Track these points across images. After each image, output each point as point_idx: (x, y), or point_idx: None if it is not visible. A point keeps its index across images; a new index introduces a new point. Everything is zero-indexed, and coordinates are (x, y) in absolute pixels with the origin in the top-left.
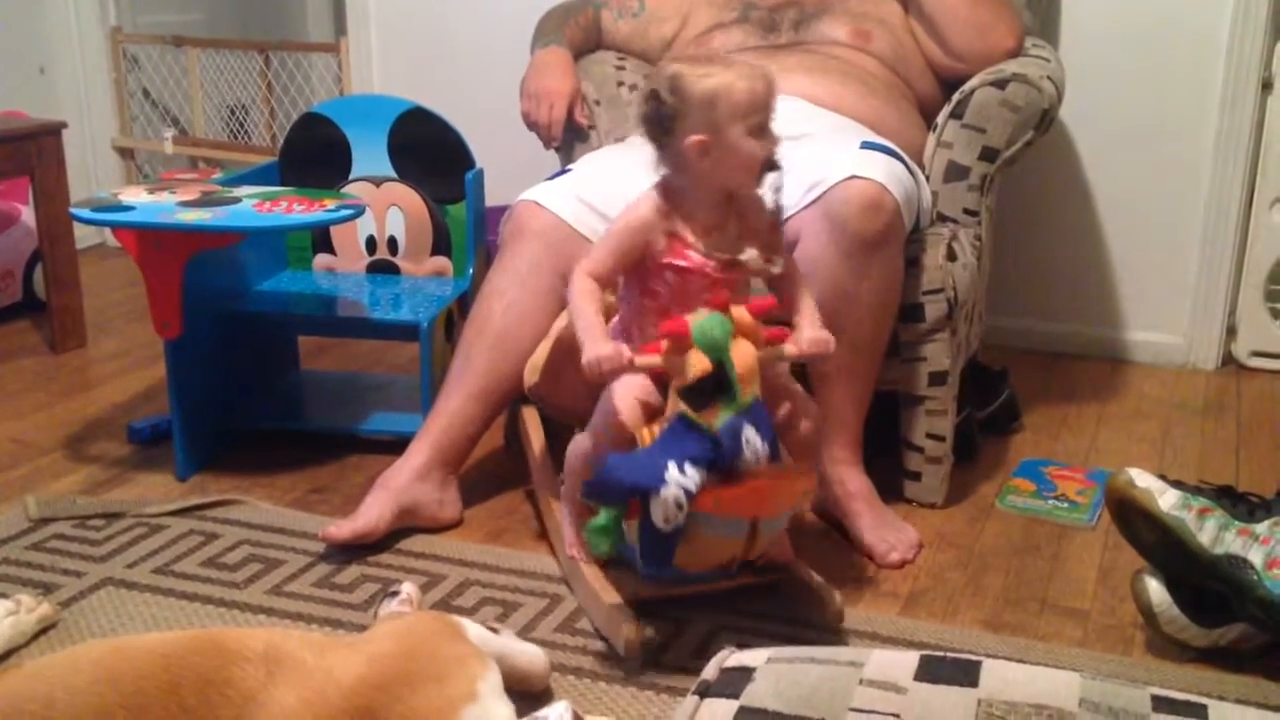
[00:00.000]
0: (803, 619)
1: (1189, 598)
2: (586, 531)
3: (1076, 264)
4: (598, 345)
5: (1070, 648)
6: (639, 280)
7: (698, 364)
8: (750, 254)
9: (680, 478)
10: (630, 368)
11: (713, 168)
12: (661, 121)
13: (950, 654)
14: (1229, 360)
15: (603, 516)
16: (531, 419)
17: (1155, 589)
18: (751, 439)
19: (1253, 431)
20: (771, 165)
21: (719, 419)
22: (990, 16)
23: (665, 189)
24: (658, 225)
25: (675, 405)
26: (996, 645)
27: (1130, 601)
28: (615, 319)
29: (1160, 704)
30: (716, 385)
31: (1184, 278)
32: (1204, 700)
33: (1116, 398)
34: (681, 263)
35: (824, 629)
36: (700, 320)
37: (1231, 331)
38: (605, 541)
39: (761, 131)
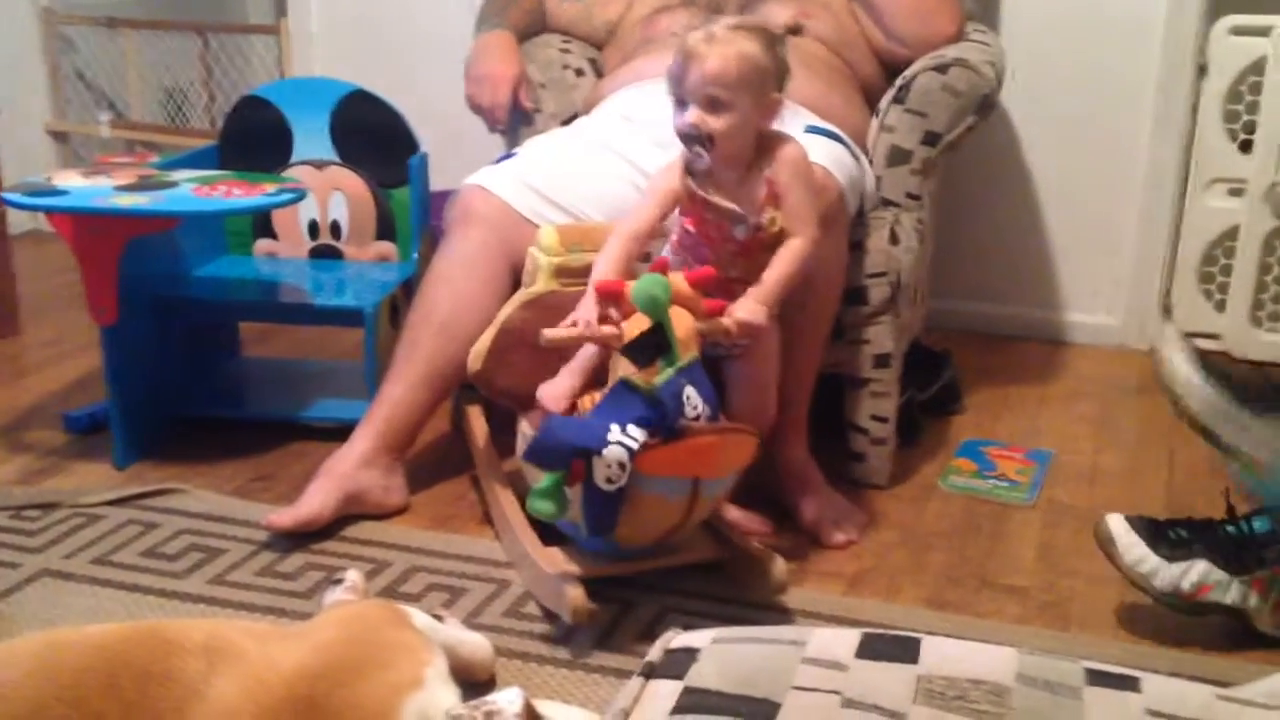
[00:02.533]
0: (749, 599)
1: (1150, 533)
2: (530, 496)
3: (1017, 247)
4: (552, 385)
5: (1009, 624)
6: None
7: (637, 325)
8: (747, 217)
9: (622, 437)
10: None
11: None
12: None
13: (891, 632)
14: None
15: (546, 480)
16: (474, 412)
17: (1116, 520)
18: (692, 396)
19: None
20: (686, 138)
21: (659, 378)
22: (932, 1)
23: None
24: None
25: (616, 373)
26: (938, 623)
27: (1066, 578)
28: (672, 237)
29: (1094, 677)
30: (656, 345)
31: (1121, 260)
32: (1136, 673)
33: (1056, 378)
34: (690, 228)
35: (770, 607)
36: (640, 281)
37: (1167, 312)
38: (550, 504)
39: (680, 105)
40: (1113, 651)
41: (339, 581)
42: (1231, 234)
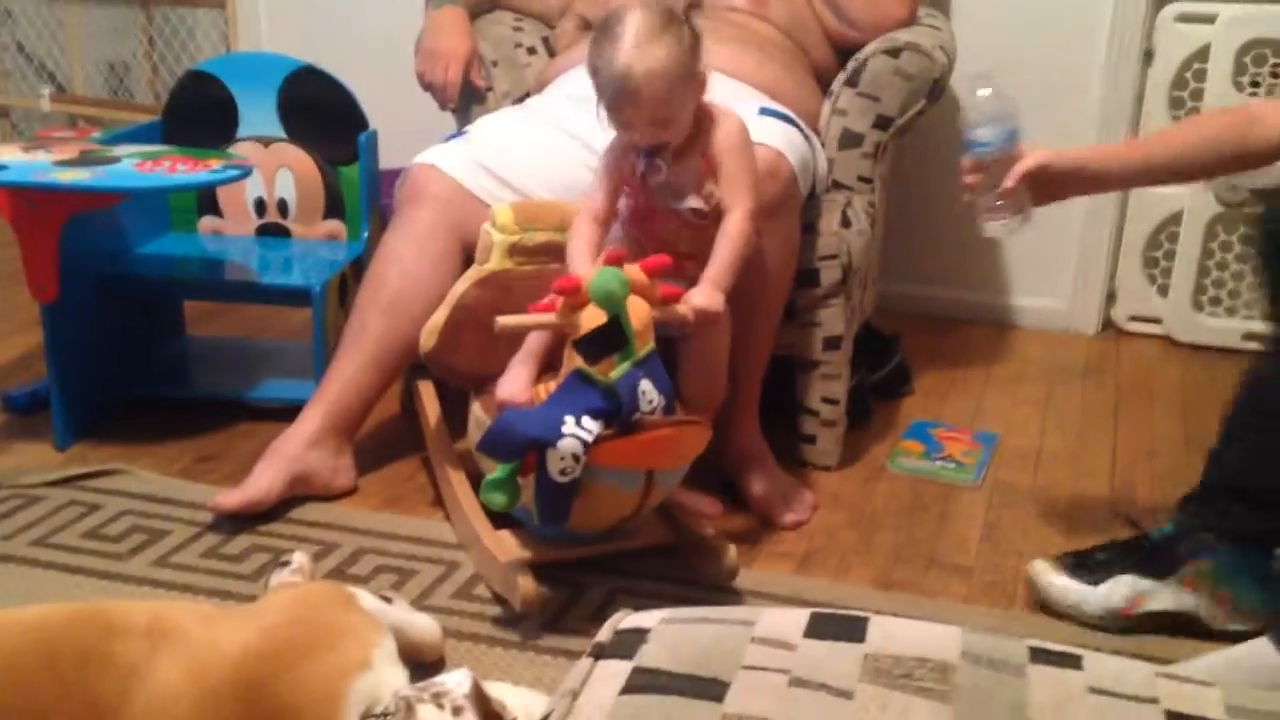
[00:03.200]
0: (700, 580)
1: (1071, 565)
2: (483, 487)
3: (965, 231)
4: (509, 380)
5: (955, 603)
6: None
7: (593, 316)
8: (691, 202)
9: (577, 429)
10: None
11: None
12: None
13: (839, 611)
14: (1109, 325)
15: (499, 471)
16: (426, 391)
17: (1041, 568)
18: (648, 391)
19: (1130, 393)
20: (648, 150)
21: (615, 372)
22: None
23: None
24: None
25: (571, 361)
26: (885, 602)
27: (1011, 557)
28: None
29: (1037, 655)
30: (612, 338)
31: (1067, 245)
32: (1079, 651)
33: (1002, 361)
34: (629, 200)
35: (720, 588)
36: (596, 276)
37: (1111, 297)
38: (502, 495)
39: (624, 126)
40: (1055, 630)
41: (286, 564)
42: (1175, 220)
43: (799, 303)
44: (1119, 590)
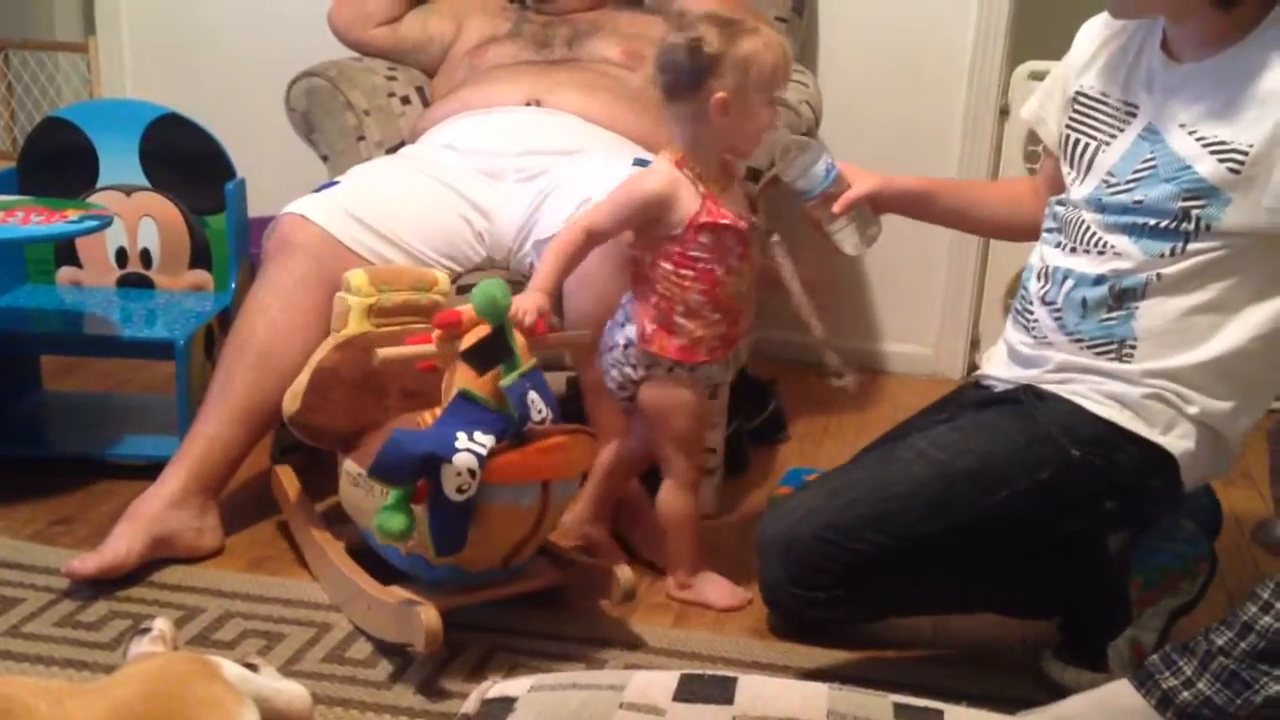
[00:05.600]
0: (579, 635)
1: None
2: (378, 517)
3: (837, 280)
4: (529, 295)
5: (827, 650)
6: (675, 253)
7: (478, 332)
8: (761, 219)
9: (471, 444)
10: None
11: (728, 126)
12: (695, 72)
13: (709, 672)
14: (973, 369)
15: (391, 497)
16: (287, 476)
17: (1055, 668)
18: (536, 400)
19: None
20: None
21: (504, 380)
22: None
23: (678, 156)
24: (687, 189)
25: (453, 388)
26: (762, 652)
27: None
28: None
29: (901, 711)
30: (497, 348)
31: (933, 294)
32: (941, 706)
33: (874, 406)
34: (724, 220)
35: (599, 641)
36: (479, 285)
37: (975, 343)
38: (401, 517)
39: (773, 103)
40: (921, 674)
41: (146, 631)
42: None
43: None
44: (1119, 660)
